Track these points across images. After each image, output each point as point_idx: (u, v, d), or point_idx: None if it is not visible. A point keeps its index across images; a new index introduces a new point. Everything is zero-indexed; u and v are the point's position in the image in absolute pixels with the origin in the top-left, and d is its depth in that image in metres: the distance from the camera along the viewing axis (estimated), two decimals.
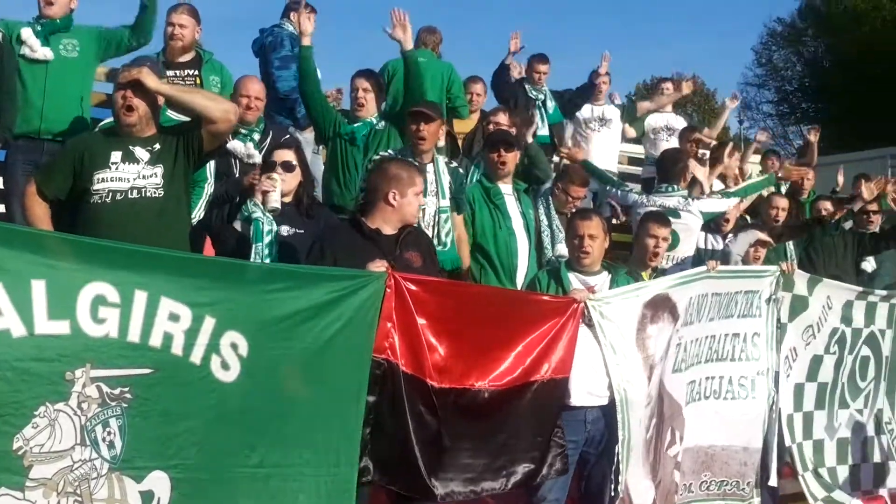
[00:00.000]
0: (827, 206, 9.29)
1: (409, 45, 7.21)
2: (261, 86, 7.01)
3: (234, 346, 4.10)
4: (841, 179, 10.11)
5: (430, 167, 6.49)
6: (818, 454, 6.98)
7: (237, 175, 6.50)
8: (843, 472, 7.18)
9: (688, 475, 6.11)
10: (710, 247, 8.18)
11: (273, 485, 4.20)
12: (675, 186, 8.19)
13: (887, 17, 39.21)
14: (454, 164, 6.89)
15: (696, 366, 6.14)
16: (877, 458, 7.50)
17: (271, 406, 4.24)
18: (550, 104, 9.90)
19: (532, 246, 7.01)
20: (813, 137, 12.42)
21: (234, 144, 6.64)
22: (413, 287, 4.68)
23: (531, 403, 5.06)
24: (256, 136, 6.86)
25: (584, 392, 5.36)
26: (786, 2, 76.75)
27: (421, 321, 4.70)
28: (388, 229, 5.10)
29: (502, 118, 8.11)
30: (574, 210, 7.37)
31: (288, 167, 5.67)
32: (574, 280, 5.61)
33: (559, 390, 5.19)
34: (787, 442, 6.70)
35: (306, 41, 7.17)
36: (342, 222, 5.70)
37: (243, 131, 6.75)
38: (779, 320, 6.61)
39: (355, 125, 7.29)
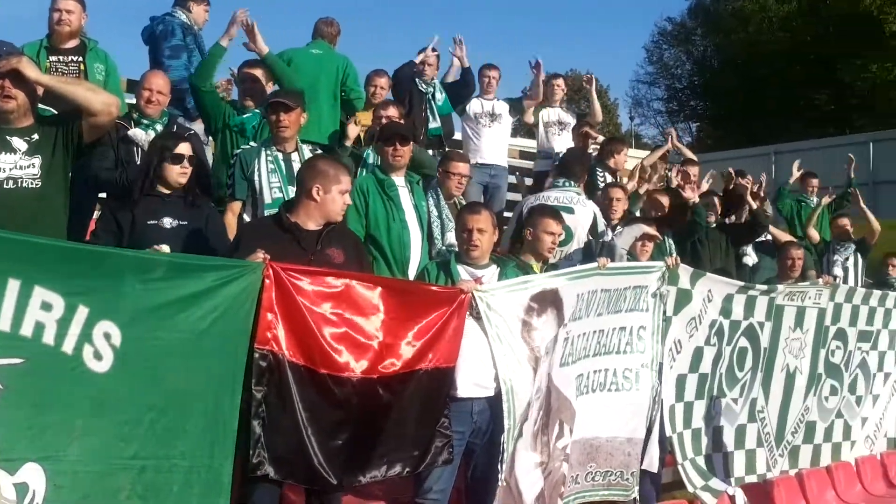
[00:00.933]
0: (687, 195, 9.41)
1: (265, 50, 7.35)
2: (165, 80, 6.90)
3: (107, 336, 4.03)
4: (706, 184, 10.35)
5: (294, 156, 6.57)
6: (696, 443, 7.17)
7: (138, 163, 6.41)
8: (718, 460, 7.40)
9: (575, 467, 6.21)
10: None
11: (148, 476, 4.15)
12: (572, 182, 8.30)
13: (773, 18, 40.38)
14: (319, 150, 6.90)
15: (585, 359, 6.24)
16: (749, 445, 7.75)
17: (145, 397, 4.17)
18: (440, 96, 9.92)
19: (424, 238, 7.04)
20: (675, 142, 12.65)
21: (137, 133, 6.54)
22: (297, 277, 4.66)
23: (416, 392, 5.09)
24: (159, 127, 6.75)
25: (471, 383, 5.40)
26: (676, 1, 78.74)
27: (307, 311, 4.68)
28: (311, 224, 5.09)
29: (393, 111, 8.14)
30: (461, 191, 7.49)
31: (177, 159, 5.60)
32: (463, 272, 5.63)
33: (445, 380, 5.23)
34: (668, 432, 6.87)
35: (225, 42, 7.19)
36: (267, 217, 5.69)
37: (145, 122, 6.66)
38: (664, 313, 6.78)
39: (245, 116, 7.26)
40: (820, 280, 8.62)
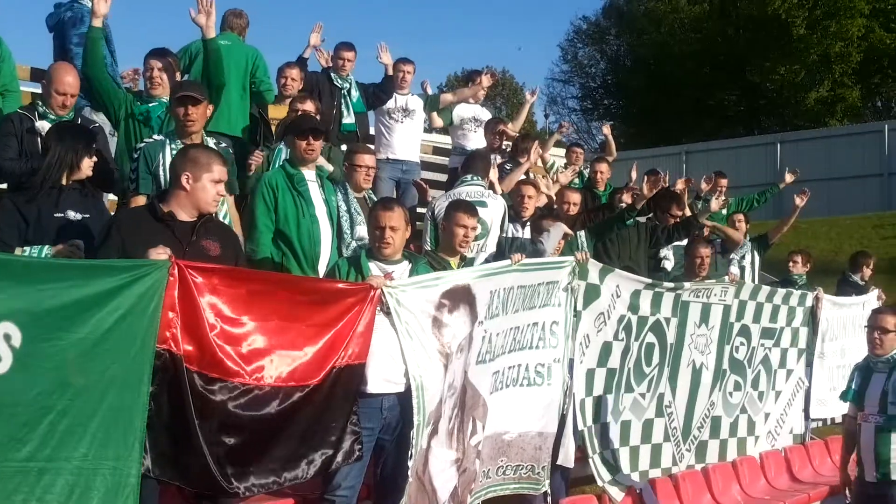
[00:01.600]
0: (625, 199, 9.55)
1: (211, 34, 6.99)
2: (75, 78, 6.65)
3: (7, 338, 3.91)
4: (634, 175, 10.48)
5: None
6: (604, 437, 7.26)
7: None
8: (624, 454, 7.49)
9: (486, 461, 6.23)
10: (510, 234, 8.34)
11: (46, 479, 4.02)
12: (478, 177, 8.32)
13: (685, 20, 41.07)
14: (223, 144, 6.79)
15: (501, 356, 6.25)
16: (656, 440, 7.85)
17: (46, 399, 4.05)
18: (355, 93, 9.85)
19: (335, 233, 6.97)
20: (606, 131, 12.92)
21: (43, 125, 6.35)
22: (200, 276, 4.54)
23: (328, 391, 5.01)
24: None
25: (381, 379, 5.36)
26: (591, 1, 79.82)
27: (209, 311, 4.55)
28: (185, 215, 4.96)
29: (309, 105, 8.07)
30: (370, 183, 7.42)
31: None
32: (374, 268, 5.59)
33: (356, 377, 5.17)
34: (580, 426, 6.94)
35: (97, 22, 6.89)
36: (140, 207, 5.52)
37: (52, 116, 6.47)
38: (575, 308, 6.82)
39: (150, 105, 7.11)
40: (726, 277, 8.77)
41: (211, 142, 6.52)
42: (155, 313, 4.35)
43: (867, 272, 11.47)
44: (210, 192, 4.99)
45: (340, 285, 5.32)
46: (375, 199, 7.17)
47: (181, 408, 4.47)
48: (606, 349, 7.20)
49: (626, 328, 7.38)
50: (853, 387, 6.70)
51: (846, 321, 10.56)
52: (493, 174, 9.15)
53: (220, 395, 4.59)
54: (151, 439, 4.38)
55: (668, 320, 7.84)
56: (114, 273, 4.27)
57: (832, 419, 11.08)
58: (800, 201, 11.30)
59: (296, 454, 4.90)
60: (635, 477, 7.50)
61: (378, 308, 5.27)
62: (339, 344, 5.06)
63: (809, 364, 9.87)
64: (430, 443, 5.59)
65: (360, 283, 5.35)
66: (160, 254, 4.44)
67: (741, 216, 11.53)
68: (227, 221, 6.13)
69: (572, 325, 6.80)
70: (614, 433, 7.35)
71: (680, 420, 8.10)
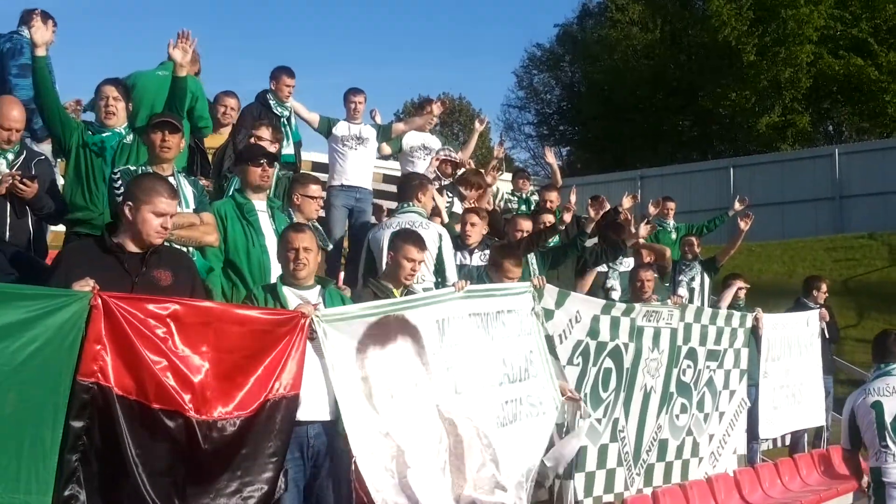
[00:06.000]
0: (566, 218, 9.52)
1: (183, 73, 7.05)
2: (21, 111, 6.61)
3: None
4: (573, 198, 10.54)
5: (171, 180, 6.37)
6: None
7: None
8: (579, 479, 7.53)
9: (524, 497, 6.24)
10: (458, 262, 8.39)
11: None
12: (411, 204, 8.33)
13: (637, 47, 41.49)
14: (193, 177, 6.76)
15: (496, 387, 6.28)
16: (610, 464, 7.90)
17: None
18: (294, 121, 9.88)
19: None
20: (550, 159, 13.03)
21: None
22: (127, 307, 4.46)
23: (265, 422, 4.94)
24: (10, 156, 6.54)
25: (308, 407, 5.28)
26: (545, 28, 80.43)
27: (139, 342, 4.48)
28: (133, 246, 4.91)
29: (265, 133, 7.99)
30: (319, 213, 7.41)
31: None
32: (290, 294, 5.55)
33: (291, 407, 5.10)
34: None
35: (40, 52, 6.88)
36: (88, 239, 5.51)
37: None
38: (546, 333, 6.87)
39: (104, 135, 7.02)
40: (669, 301, 8.89)
41: (181, 177, 6.52)
42: (74, 345, 4.27)
43: (821, 296, 11.65)
44: (151, 224, 4.92)
45: (269, 314, 5.23)
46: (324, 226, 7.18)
47: (115, 441, 4.40)
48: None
49: (583, 353, 7.41)
50: None
51: (790, 341, 10.73)
52: (441, 201, 9.25)
53: (160, 427, 4.54)
54: (86, 473, 4.32)
55: (626, 346, 7.91)
56: (29, 301, 4.19)
57: (783, 439, 11.30)
58: (744, 225, 11.45)
59: (232, 487, 4.82)
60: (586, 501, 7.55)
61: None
62: (272, 374, 5.00)
63: (754, 384, 10.00)
64: (406, 476, 5.50)
65: (291, 312, 5.29)
66: (83, 285, 4.37)
67: (693, 239, 11.71)
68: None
69: (545, 350, 6.83)
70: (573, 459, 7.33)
71: (632, 444, 8.15)
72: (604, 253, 9.69)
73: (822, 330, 11.39)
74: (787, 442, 11.36)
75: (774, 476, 10.06)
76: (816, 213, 29.07)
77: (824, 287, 11.76)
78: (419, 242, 6.58)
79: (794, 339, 10.82)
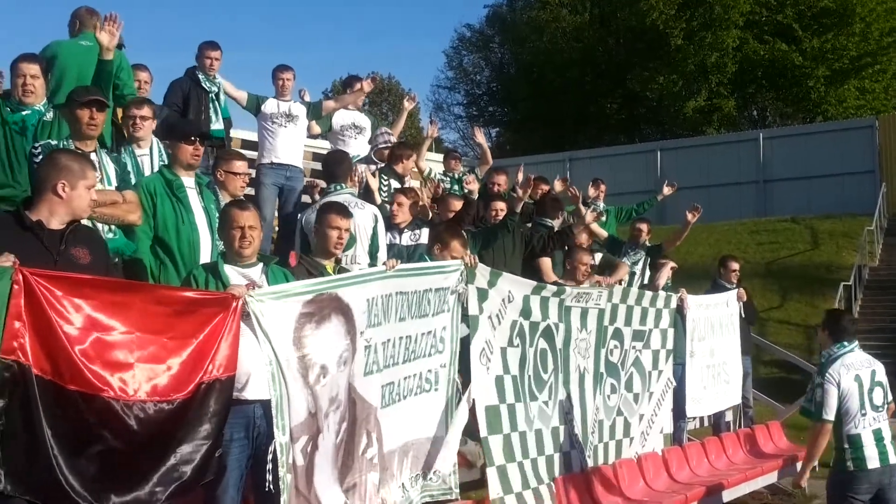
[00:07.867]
0: (500, 206, 9.61)
1: (110, 56, 7.04)
2: None
3: None
4: (520, 176, 10.49)
5: (93, 156, 6.25)
6: (509, 448, 7.11)
7: None
8: (541, 463, 7.48)
9: (397, 476, 6.17)
10: (388, 241, 8.34)
11: None
12: (343, 185, 8.26)
13: (566, 29, 41.77)
14: (115, 154, 6.68)
15: (394, 367, 6.18)
16: (565, 448, 7.86)
17: None
18: (223, 97, 9.77)
19: (215, 241, 6.85)
20: (480, 139, 13.01)
21: None
22: (49, 284, 4.33)
23: (198, 405, 4.83)
24: None
25: (251, 387, 5.23)
26: (475, 9, 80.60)
27: (58, 321, 4.35)
28: (55, 223, 4.81)
29: (146, 110, 7.68)
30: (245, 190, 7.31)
31: None
32: (232, 273, 5.45)
33: (225, 390, 5.00)
34: (483, 433, 6.85)
35: None
36: (5, 214, 5.35)
37: None
38: (467, 312, 6.79)
39: (24, 113, 6.87)
40: (598, 283, 8.93)
41: (104, 153, 6.41)
42: None
43: (732, 275, 11.76)
44: (85, 198, 4.90)
45: (199, 295, 5.12)
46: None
47: (31, 421, 4.28)
48: (504, 356, 7.16)
49: (519, 334, 7.36)
50: None
51: (713, 322, 10.85)
52: (373, 182, 9.20)
53: (77, 408, 4.41)
54: (4, 453, 4.20)
55: (556, 325, 7.87)
56: None
57: (709, 418, 11.46)
58: (691, 217, 11.50)
59: (163, 471, 4.70)
60: (551, 485, 7.51)
61: (244, 316, 5.12)
62: (205, 356, 4.89)
63: (681, 364, 10.12)
64: (314, 459, 5.44)
65: (219, 293, 5.18)
66: (3, 261, 4.24)
67: (643, 226, 11.75)
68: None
69: (458, 328, 6.77)
70: (531, 441, 7.34)
71: (579, 426, 8.09)
72: (552, 239, 9.68)
73: (740, 310, 11.55)
74: (709, 423, 11.54)
75: (702, 455, 10.16)
76: (741, 197, 29.66)
77: (734, 265, 11.84)
78: (343, 210, 6.51)
79: (717, 319, 10.95)
